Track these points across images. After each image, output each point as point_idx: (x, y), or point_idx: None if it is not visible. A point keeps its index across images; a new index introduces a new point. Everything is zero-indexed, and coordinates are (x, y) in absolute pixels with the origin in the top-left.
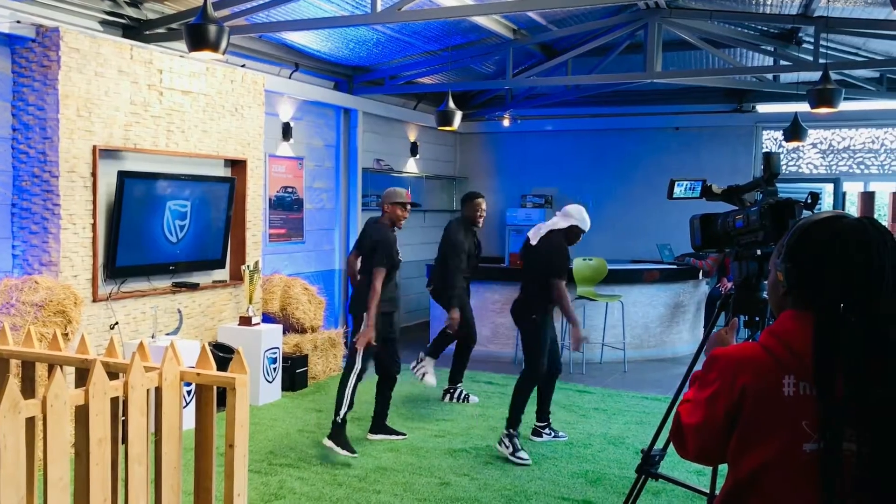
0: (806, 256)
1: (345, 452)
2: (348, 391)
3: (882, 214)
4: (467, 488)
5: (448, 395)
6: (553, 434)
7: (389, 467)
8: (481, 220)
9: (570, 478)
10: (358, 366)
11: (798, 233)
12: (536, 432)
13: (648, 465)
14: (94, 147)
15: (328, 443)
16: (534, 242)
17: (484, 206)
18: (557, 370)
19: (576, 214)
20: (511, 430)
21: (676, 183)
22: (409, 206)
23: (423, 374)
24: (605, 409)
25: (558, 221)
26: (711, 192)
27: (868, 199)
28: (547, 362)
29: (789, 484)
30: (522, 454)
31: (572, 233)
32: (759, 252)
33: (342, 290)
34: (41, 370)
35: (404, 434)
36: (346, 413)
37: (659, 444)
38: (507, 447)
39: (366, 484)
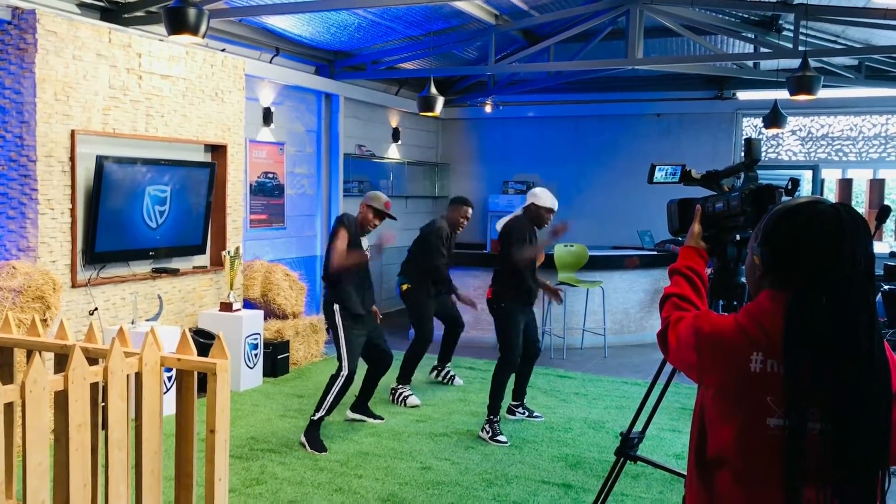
0: (781, 241)
1: (312, 451)
2: (331, 396)
3: (860, 202)
4: (448, 472)
5: (436, 372)
6: (527, 413)
7: (371, 452)
8: (462, 228)
9: (551, 461)
10: (345, 371)
11: (774, 217)
12: (510, 411)
13: (627, 448)
14: (73, 131)
15: (302, 438)
16: (498, 229)
17: (470, 213)
18: (535, 353)
19: (537, 193)
20: (491, 417)
21: (657, 168)
22: (380, 217)
23: (405, 399)
24: (586, 393)
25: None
26: (690, 177)
27: (846, 186)
28: (522, 346)
29: (754, 458)
30: (501, 437)
31: (532, 212)
32: (737, 237)
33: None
34: (20, 356)
35: (382, 418)
36: (322, 417)
37: (638, 427)
38: (487, 432)
39: (347, 468)
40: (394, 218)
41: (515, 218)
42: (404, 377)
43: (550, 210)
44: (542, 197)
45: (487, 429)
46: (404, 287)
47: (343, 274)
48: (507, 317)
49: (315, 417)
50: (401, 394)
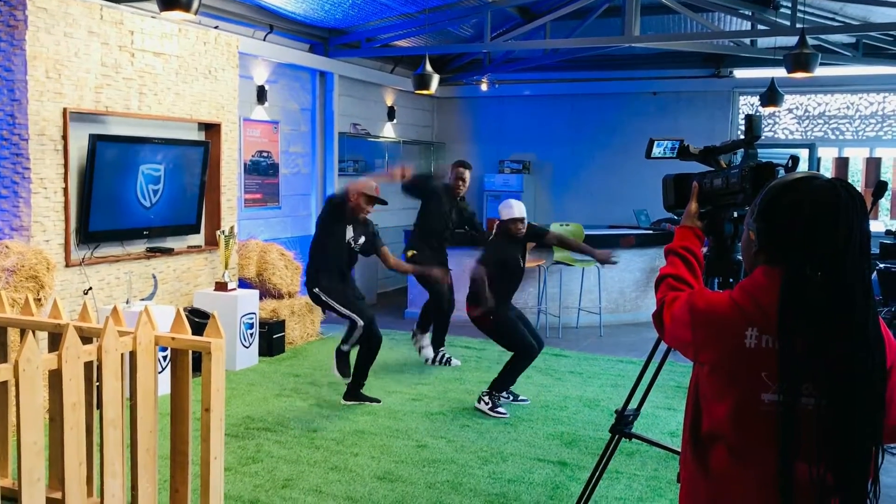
0: (777, 216)
1: (336, 374)
2: (353, 340)
3: (856, 180)
4: (444, 450)
5: (431, 359)
6: (512, 398)
7: (367, 430)
8: (461, 191)
9: (546, 439)
10: (360, 322)
11: (770, 193)
12: None
13: (622, 426)
14: (65, 109)
15: (333, 368)
16: None
17: (466, 175)
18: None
19: (504, 206)
20: (493, 391)
21: (655, 143)
22: (372, 201)
23: (421, 348)
24: (581, 372)
25: None
26: (688, 153)
27: (842, 165)
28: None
29: (749, 434)
30: (501, 409)
31: (506, 227)
32: (735, 214)
33: None
34: (13, 335)
35: (379, 401)
36: (349, 349)
37: (633, 405)
38: (487, 403)
39: (343, 447)
40: (384, 202)
41: (492, 239)
42: (422, 326)
43: (517, 220)
44: (508, 209)
45: (487, 400)
46: (409, 254)
47: (323, 266)
48: (502, 321)
49: (345, 348)
50: (418, 340)
